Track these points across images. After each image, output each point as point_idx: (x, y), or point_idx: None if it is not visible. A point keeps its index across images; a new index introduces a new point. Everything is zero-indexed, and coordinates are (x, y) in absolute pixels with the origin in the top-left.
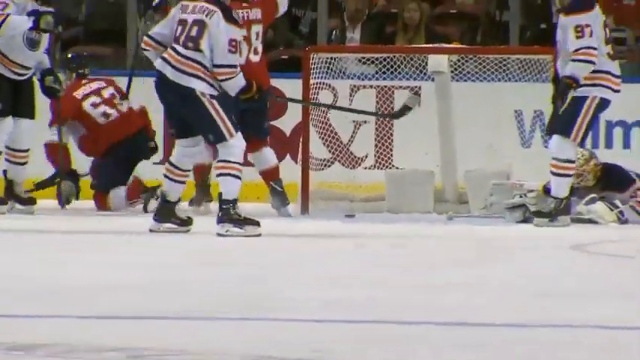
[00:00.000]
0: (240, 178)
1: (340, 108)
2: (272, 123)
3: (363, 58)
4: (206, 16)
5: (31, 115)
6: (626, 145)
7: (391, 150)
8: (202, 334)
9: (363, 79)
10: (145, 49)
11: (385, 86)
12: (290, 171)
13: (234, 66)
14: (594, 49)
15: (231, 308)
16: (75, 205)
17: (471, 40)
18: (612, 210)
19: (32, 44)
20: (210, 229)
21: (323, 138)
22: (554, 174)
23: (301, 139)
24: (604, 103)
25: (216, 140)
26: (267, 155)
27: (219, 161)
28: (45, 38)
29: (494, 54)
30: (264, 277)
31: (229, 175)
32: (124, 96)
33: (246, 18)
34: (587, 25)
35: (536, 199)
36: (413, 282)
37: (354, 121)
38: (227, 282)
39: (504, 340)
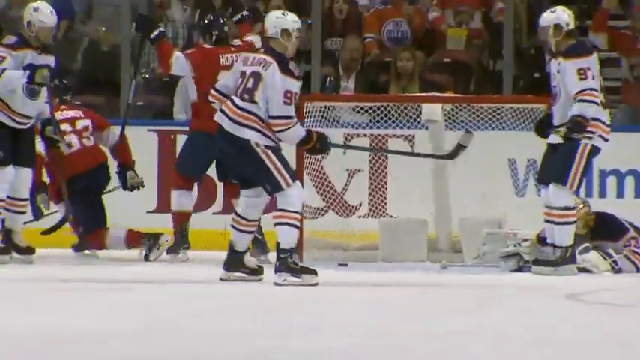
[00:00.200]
0: (298, 227)
1: (398, 152)
2: None
3: (357, 106)
4: (262, 67)
5: (30, 164)
6: (620, 194)
7: (385, 198)
8: None
9: (357, 128)
10: (211, 102)
11: (379, 135)
12: None
13: (290, 117)
14: (597, 91)
15: (232, 356)
16: (70, 253)
17: (464, 89)
18: (606, 259)
19: (32, 94)
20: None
21: (317, 186)
22: (555, 223)
23: None
24: (595, 151)
25: (273, 190)
26: None
27: (277, 210)
28: (44, 88)
29: (488, 103)
30: (262, 326)
31: (287, 224)
32: (102, 128)
33: (235, 62)
34: (589, 68)
35: (531, 248)
36: (413, 330)
37: (347, 170)
38: (225, 330)
39: None
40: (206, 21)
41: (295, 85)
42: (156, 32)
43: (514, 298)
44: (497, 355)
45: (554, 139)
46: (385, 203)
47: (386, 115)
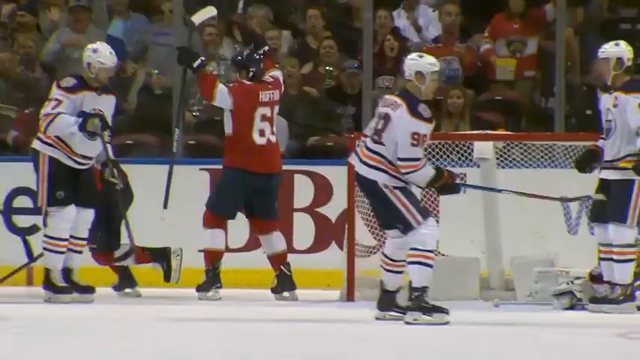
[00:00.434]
0: (431, 266)
1: (534, 196)
2: (317, 209)
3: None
4: (392, 109)
5: (91, 204)
6: None
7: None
8: None
9: None
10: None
11: None
12: (335, 258)
13: (417, 159)
14: None
15: None
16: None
17: (515, 127)
18: None
19: (91, 134)
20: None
21: (368, 225)
22: (615, 260)
23: (347, 226)
24: None
25: (405, 230)
26: (276, 240)
27: (410, 249)
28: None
29: (540, 140)
30: None
31: (419, 263)
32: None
33: (271, 99)
34: None
35: (583, 286)
36: None
37: None
38: None
39: None
40: (242, 57)
41: (424, 127)
42: (198, 61)
43: (571, 336)
44: None
45: (607, 174)
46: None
47: (437, 153)
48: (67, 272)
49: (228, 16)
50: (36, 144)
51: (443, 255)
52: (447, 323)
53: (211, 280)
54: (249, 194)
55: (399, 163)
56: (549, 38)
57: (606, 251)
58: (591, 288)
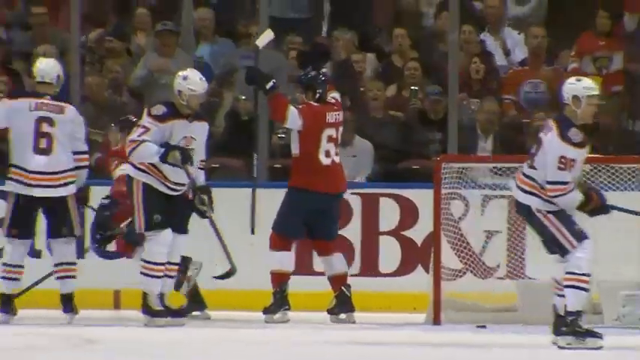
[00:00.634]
0: (586, 290)
1: None
2: (403, 233)
3: (495, 167)
4: (544, 133)
5: (183, 230)
6: None
7: (523, 260)
8: None
9: (494, 189)
10: None
11: None
12: (421, 281)
13: (564, 183)
14: None
15: None
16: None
17: (603, 150)
18: None
19: (174, 165)
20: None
21: (454, 248)
22: None
23: (433, 249)
24: None
25: (562, 254)
26: (336, 262)
27: (566, 273)
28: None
29: (628, 163)
30: None
31: (574, 287)
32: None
33: (337, 120)
34: None
35: None
36: None
37: (485, 231)
38: None
39: None
40: (308, 78)
41: (572, 152)
42: (270, 83)
43: None
44: None
45: None
46: (523, 265)
47: None
48: (160, 297)
49: (312, 39)
50: (129, 170)
51: (530, 278)
52: (600, 348)
53: (279, 303)
54: (312, 214)
55: (547, 186)
56: (635, 60)
57: None
58: None
